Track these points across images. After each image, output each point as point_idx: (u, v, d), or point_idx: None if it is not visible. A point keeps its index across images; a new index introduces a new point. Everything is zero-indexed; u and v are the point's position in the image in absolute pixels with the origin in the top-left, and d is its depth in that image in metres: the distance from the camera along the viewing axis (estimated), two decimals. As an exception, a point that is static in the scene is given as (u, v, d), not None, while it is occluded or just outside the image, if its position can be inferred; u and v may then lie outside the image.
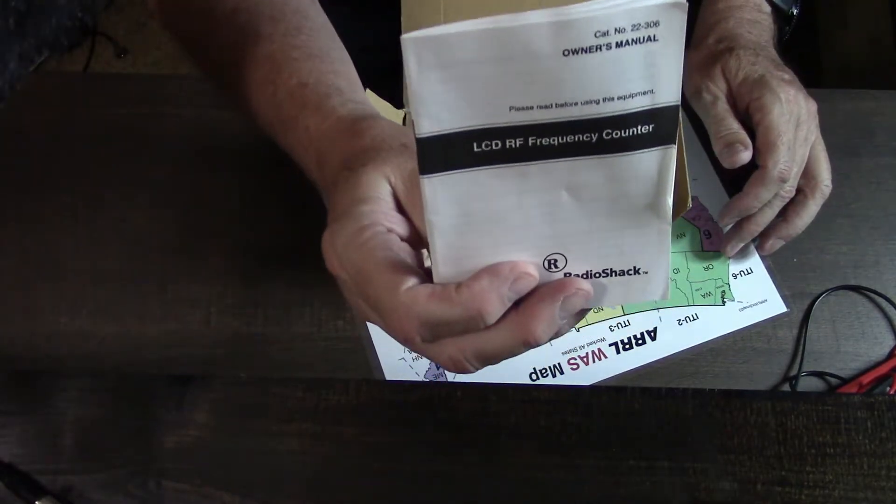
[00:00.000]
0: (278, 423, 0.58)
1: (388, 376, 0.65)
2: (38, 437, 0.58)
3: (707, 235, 0.68)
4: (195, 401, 0.58)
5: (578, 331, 0.66)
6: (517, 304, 0.34)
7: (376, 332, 0.66)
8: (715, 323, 0.66)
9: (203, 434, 0.58)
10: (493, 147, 0.31)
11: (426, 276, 0.35)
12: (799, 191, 0.64)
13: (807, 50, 1.40)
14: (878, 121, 0.72)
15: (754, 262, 0.68)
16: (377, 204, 0.37)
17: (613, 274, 0.35)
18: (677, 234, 0.68)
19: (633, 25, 0.28)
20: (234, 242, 0.69)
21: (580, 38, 0.28)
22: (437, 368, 0.65)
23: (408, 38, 0.28)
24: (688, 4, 0.28)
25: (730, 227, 0.67)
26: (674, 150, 0.32)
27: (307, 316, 0.67)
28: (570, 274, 0.35)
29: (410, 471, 0.56)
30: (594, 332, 0.66)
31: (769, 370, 0.64)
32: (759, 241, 0.67)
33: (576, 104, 0.30)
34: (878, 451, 0.55)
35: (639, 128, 0.31)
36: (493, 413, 0.57)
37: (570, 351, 0.65)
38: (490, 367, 0.63)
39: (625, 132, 0.31)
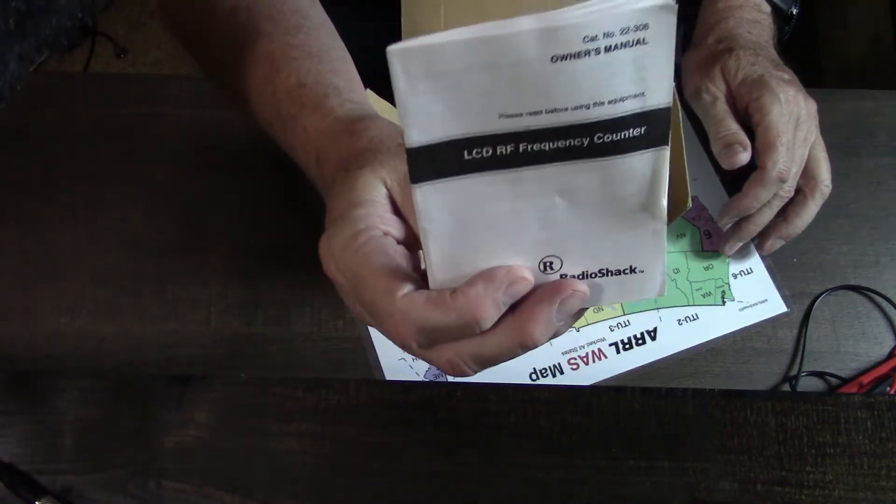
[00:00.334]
0: (278, 423, 0.58)
1: (388, 376, 0.65)
2: (38, 437, 0.58)
3: (707, 235, 0.68)
4: (195, 401, 0.58)
5: (578, 331, 0.66)
6: (514, 306, 0.34)
7: (376, 332, 0.66)
8: (715, 323, 0.66)
9: (203, 434, 0.58)
10: (484, 154, 0.30)
11: (422, 278, 0.35)
12: (798, 191, 0.64)
13: (807, 50, 1.40)
14: (878, 121, 0.72)
15: (754, 262, 0.68)
16: (373, 207, 0.37)
17: (609, 274, 0.35)
18: (677, 234, 0.68)
19: (622, 29, 0.27)
20: (234, 242, 0.69)
21: (568, 44, 0.27)
22: (437, 368, 0.65)
23: (393, 50, 0.28)
24: (677, 6, 0.28)
25: (729, 226, 0.67)
26: (667, 151, 0.31)
27: (307, 316, 0.67)
28: (566, 275, 0.35)
29: (410, 471, 0.56)
30: (594, 332, 0.66)
31: (769, 370, 0.64)
32: (759, 241, 0.67)
33: (566, 109, 0.29)
34: (878, 451, 0.55)
35: (630, 130, 0.30)
36: (493, 413, 0.57)
37: (570, 351, 0.65)
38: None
39: (616, 135, 0.30)
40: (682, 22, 0.82)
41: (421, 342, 0.35)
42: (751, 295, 0.67)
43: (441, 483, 0.56)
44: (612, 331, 0.66)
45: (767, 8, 0.71)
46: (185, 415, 0.58)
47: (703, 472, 0.55)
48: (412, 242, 0.38)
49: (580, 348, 0.65)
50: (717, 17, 0.70)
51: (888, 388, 0.62)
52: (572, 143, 0.30)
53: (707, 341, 0.65)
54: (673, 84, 0.30)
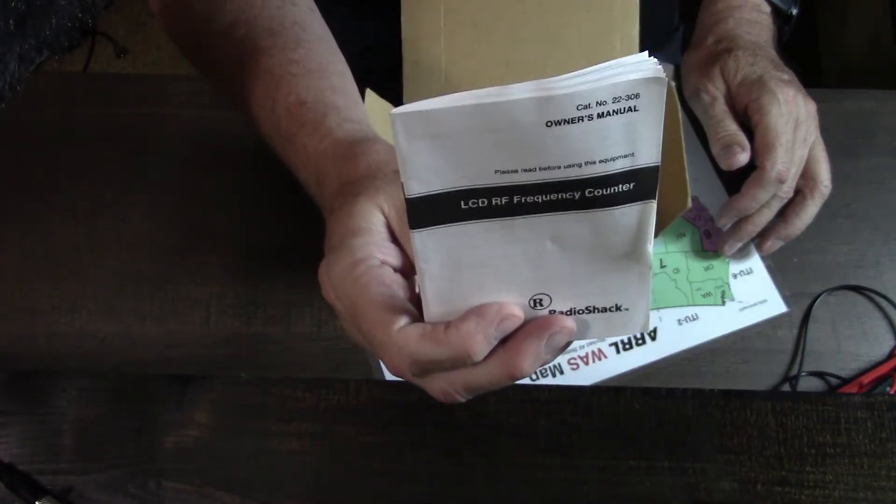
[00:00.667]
0: (278, 423, 0.58)
1: (389, 376, 0.64)
2: (38, 437, 0.58)
3: (707, 235, 0.68)
4: (195, 401, 0.58)
5: (578, 331, 0.66)
6: (504, 339, 0.36)
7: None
8: (715, 323, 0.66)
9: (203, 434, 0.58)
10: (480, 204, 0.32)
11: (418, 307, 0.37)
12: (798, 191, 0.64)
13: (807, 50, 1.40)
14: (878, 121, 0.72)
15: (754, 262, 0.68)
16: (370, 236, 0.38)
17: (596, 311, 0.37)
18: (677, 234, 0.68)
19: (615, 98, 0.29)
20: (234, 242, 0.69)
21: (563, 111, 0.29)
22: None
23: (395, 114, 0.29)
24: (667, 80, 0.29)
25: (728, 227, 0.67)
26: (653, 204, 0.33)
27: (307, 316, 0.67)
28: (554, 311, 0.36)
29: (410, 471, 0.56)
30: (594, 332, 0.66)
31: (769, 370, 0.64)
32: (759, 241, 0.67)
33: (559, 167, 0.31)
34: (878, 451, 0.55)
35: (620, 186, 0.32)
36: (493, 413, 0.57)
37: (570, 351, 0.65)
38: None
39: (606, 190, 0.32)
40: (682, 22, 0.82)
41: (415, 372, 0.36)
42: (751, 295, 0.67)
43: (441, 483, 0.56)
44: (612, 331, 0.66)
45: (767, 8, 0.71)
46: (185, 415, 0.58)
47: (703, 472, 0.55)
48: (409, 269, 0.39)
49: (580, 348, 0.65)
50: (717, 18, 0.70)
51: (888, 388, 0.62)
52: (564, 197, 0.32)
53: (707, 341, 0.65)
54: (661, 144, 0.31)
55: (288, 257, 0.68)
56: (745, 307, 0.66)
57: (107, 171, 0.72)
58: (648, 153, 0.32)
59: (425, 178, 0.31)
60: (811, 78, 0.68)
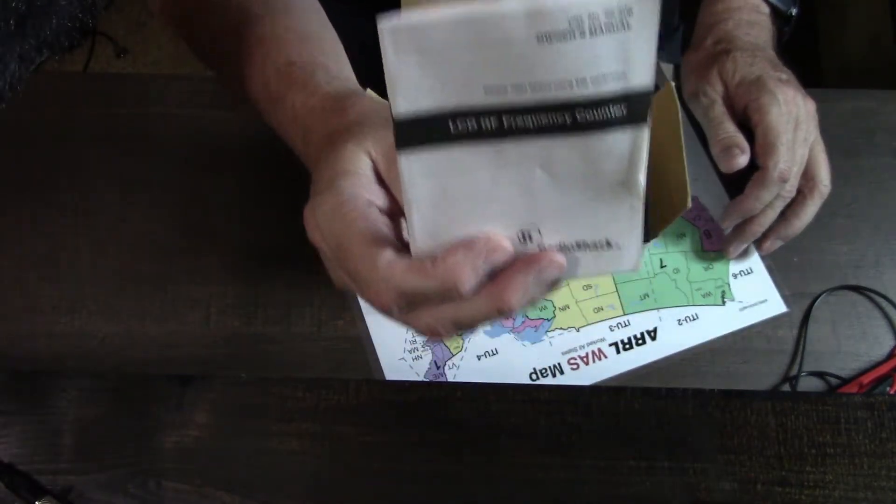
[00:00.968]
0: (278, 423, 0.58)
1: (388, 376, 0.65)
2: (38, 437, 0.58)
3: (707, 235, 0.68)
4: (195, 401, 0.58)
5: (578, 330, 0.66)
6: (492, 274, 0.35)
7: (376, 332, 0.66)
8: (715, 323, 0.66)
9: (203, 434, 0.58)
10: (469, 127, 0.32)
11: (405, 248, 0.36)
12: (798, 191, 0.64)
13: (807, 50, 1.40)
14: (878, 121, 0.72)
15: (754, 262, 0.68)
16: (357, 178, 0.38)
17: (586, 247, 0.36)
18: (677, 234, 0.68)
19: (607, 13, 0.28)
20: (234, 242, 0.69)
21: (554, 26, 0.29)
22: (437, 368, 0.65)
23: (385, 28, 0.29)
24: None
25: (731, 229, 0.67)
26: (647, 129, 0.33)
27: (307, 316, 0.67)
28: (543, 246, 0.36)
29: (410, 471, 0.56)
30: (594, 332, 0.66)
31: (769, 370, 0.64)
32: (758, 241, 0.67)
33: (549, 87, 0.31)
34: (878, 451, 0.55)
35: (612, 109, 0.32)
36: (493, 413, 0.57)
37: (570, 351, 0.65)
38: (490, 367, 0.63)
39: (598, 113, 0.32)
40: (682, 22, 0.82)
41: (401, 306, 0.36)
42: (751, 295, 0.67)
43: (441, 483, 0.56)
44: (612, 331, 0.66)
45: (766, 9, 0.71)
46: (185, 415, 0.58)
47: (703, 472, 0.55)
48: (395, 212, 0.39)
49: (580, 348, 0.65)
50: (716, 19, 0.70)
51: (888, 388, 0.62)
52: (555, 120, 0.32)
53: (707, 341, 0.65)
54: (655, 67, 0.31)
55: (288, 257, 0.68)
56: (745, 307, 0.66)
57: (107, 171, 0.72)
58: (641, 74, 0.31)
59: (413, 97, 0.31)
60: (811, 78, 0.68)
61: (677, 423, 0.56)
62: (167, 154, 0.72)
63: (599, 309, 0.66)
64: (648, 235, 0.59)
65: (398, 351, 0.65)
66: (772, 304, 0.66)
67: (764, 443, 0.56)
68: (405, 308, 0.36)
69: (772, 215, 0.64)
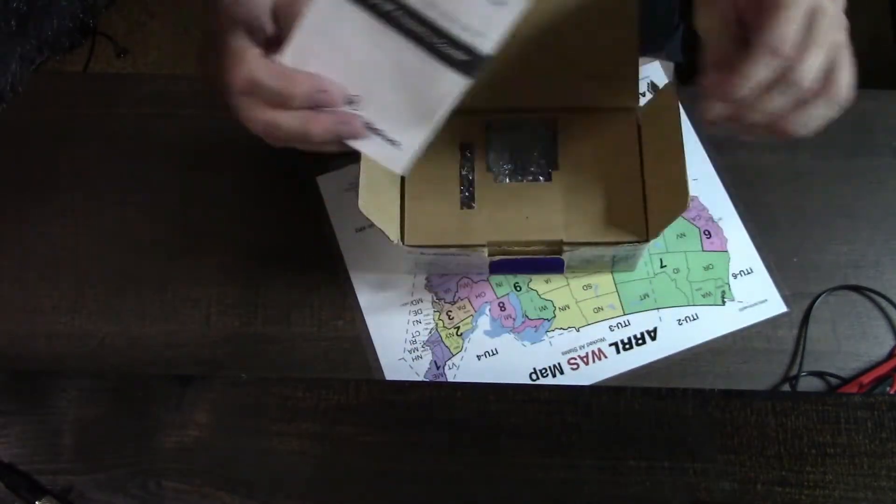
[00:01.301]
0: (278, 423, 0.58)
1: (388, 376, 0.65)
2: (38, 437, 0.58)
3: (707, 235, 0.68)
4: (195, 401, 0.58)
5: (579, 331, 0.66)
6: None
7: (376, 332, 0.66)
8: (715, 323, 0.66)
9: (203, 434, 0.58)
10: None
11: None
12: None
13: (807, 50, 1.39)
14: (878, 121, 0.72)
15: (754, 261, 0.68)
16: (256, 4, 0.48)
17: (381, 135, 0.48)
18: (677, 234, 0.68)
19: None
20: (234, 242, 0.69)
21: None
22: (437, 368, 0.65)
23: None
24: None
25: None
26: (465, 84, 0.45)
27: (307, 316, 0.67)
28: (356, 106, 0.47)
29: (410, 471, 0.56)
30: (594, 332, 0.66)
31: (769, 370, 0.64)
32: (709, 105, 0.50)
33: (436, 8, 0.44)
34: (878, 451, 0.55)
35: (457, 53, 0.45)
36: (493, 413, 0.57)
37: (570, 351, 0.65)
38: (490, 367, 0.63)
39: (447, 49, 0.45)
40: (682, 21, 0.82)
41: (243, 89, 0.45)
42: (751, 295, 0.67)
43: (441, 483, 0.56)
44: (612, 331, 0.66)
45: None
46: (185, 415, 0.58)
47: (703, 472, 0.55)
48: (273, 44, 0.47)
49: (580, 348, 0.65)
50: None
51: (888, 388, 0.62)
52: (423, 34, 0.45)
53: (707, 341, 0.65)
54: (500, 42, 0.44)
55: (288, 257, 0.68)
56: (745, 307, 0.66)
57: (107, 171, 0.72)
58: (489, 43, 0.44)
59: None
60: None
61: (677, 423, 0.57)
62: (167, 154, 0.72)
63: (599, 309, 0.66)
64: (649, 235, 0.59)
65: (398, 351, 0.65)
66: (772, 304, 0.66)
67: (764, 443, 0.56)
68: (245, 90, 0.45)
69: (776, 103, 0.49)
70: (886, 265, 0.67)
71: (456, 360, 0.65)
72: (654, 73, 0.74)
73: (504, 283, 0.67)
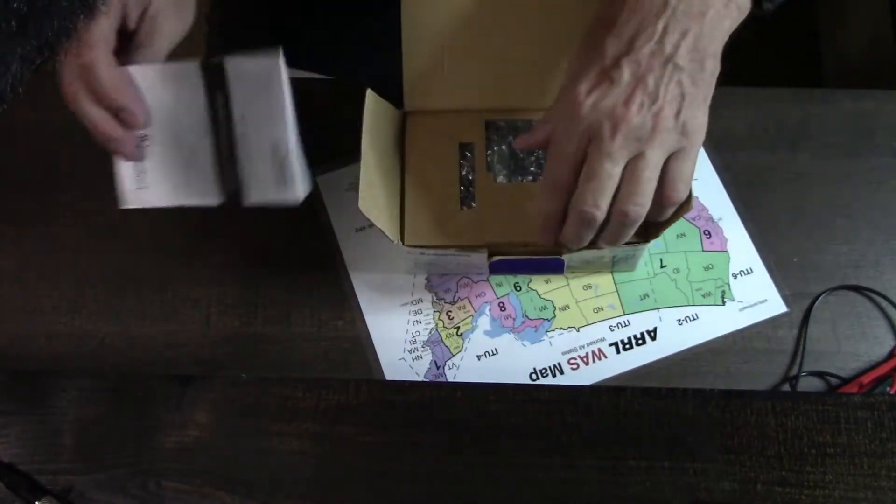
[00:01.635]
0: (278, 423, 0.58)
1: (388, 376, 0.65)
2: (38, 437, 0.58)
3: (707, 235, 0.68)
4: (195, 401, 0.58)
5: (579, 330, 0.66)
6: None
7: (376, 333, 0.66)
8: (715, 323, 0.66)
9: (203, 434, 0.58)
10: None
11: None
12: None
13: (807, 50, 1.40)
14: (878, 121, 0.72)
15: (754, 261, 0.68)
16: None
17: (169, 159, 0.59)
18: (677, 235, 0.68)
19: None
20: (234, 242, 0.69)
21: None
22: (437, 368, 0.65)
23: None
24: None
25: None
26: (215, 202, 0.59)
27: (307, 316, 0.67)
28: (144, 140, 0.59)
29: (410, 471, 0.56)
30: (594, 332, 0.66)
31: (769, 370, 0.64)
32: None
33: (246, 149, 0.58)
34: (878, 451, 0.55)
35: (231, 184, 0.59)
36: (493, 413, 0.57)
37: (570, 351, 0.65)
38: (490, 367, 0.63)
39: (226, 178, 0.59)
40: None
41: (85, 88, 0.54)
42: (751, 295, 0.67)
43: (441, 483, 0.56)
44: (612, 331, 0.66)
45: None
46: (185, 415, 0.58)
47: (703, 472, 0.55)
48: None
49: (580, 348, 0.65)
50: None
51: (888, 388, 0.62)
52: (224, 150, 0.58)
53: (707, 341, 0.65)
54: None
55: (288, 257, 0.68)
56: (745, 307, 0.66)
57: (107, 171, 0.72)
58: (249, 202, 0.58)
59: None
60: (811, 78, 0.68)
61: (677, 423, 0.57)
62: (167, 154, 0.72)
63: (599, 309, 0.66)
64: (649, 235, 0.59)
65: (398, 351, 0.65)
66: (772, 304, 0.66)
67: (764, 443, 0.56)
68: (83, 88, 0.54)
69: (571, 232, 0.53)
70: (886, 265, 0.67)
71: (456, 360, 0.65)
72: (654, 73, 0.74)
73: (504, 283, 0.67)
